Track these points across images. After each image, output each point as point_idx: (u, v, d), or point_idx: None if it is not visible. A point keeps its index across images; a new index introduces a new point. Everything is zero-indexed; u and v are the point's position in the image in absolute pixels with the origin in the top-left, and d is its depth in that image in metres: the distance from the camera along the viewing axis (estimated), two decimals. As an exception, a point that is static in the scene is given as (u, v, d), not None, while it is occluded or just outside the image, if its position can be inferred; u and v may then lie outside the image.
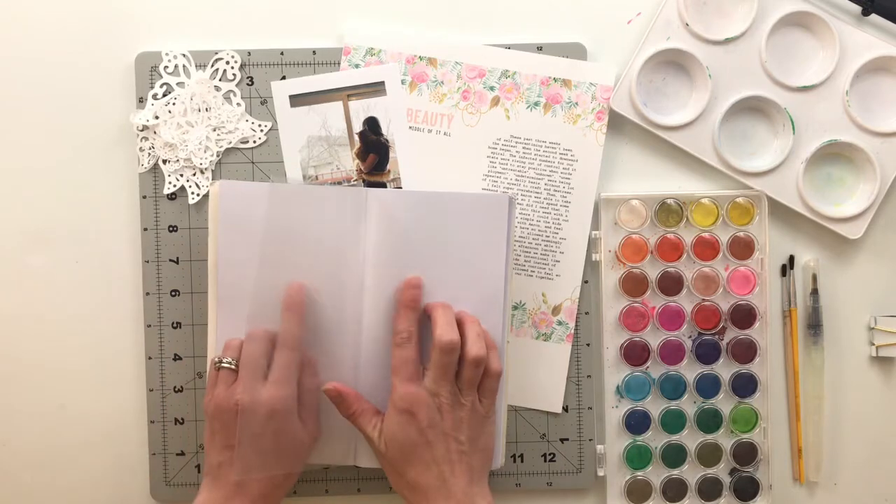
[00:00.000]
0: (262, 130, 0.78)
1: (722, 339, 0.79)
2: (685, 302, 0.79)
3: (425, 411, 0.65)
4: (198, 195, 0.77)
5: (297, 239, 0.70)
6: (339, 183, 0.78)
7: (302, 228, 0.70)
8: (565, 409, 0.79)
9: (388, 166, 0.78)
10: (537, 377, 0.78)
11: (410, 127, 0.78)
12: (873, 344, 0.80)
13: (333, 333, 0.71)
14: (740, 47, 0.77)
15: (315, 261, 0.70)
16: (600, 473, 0.79)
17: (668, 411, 0.79)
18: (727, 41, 0.77)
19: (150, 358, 0.78)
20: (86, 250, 0.78)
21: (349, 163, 0.78)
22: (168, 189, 0.77)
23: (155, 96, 0.77)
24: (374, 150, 0.78)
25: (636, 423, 0.79)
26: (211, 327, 0.71)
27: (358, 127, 0.78)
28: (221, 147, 0.77)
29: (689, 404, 0.79)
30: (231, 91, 0.78)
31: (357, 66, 0.78)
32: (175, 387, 0.78)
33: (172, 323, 0.78)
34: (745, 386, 0.79)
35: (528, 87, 0.78)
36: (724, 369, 0.79)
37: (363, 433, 0.68)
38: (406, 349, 0.67)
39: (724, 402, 0.79)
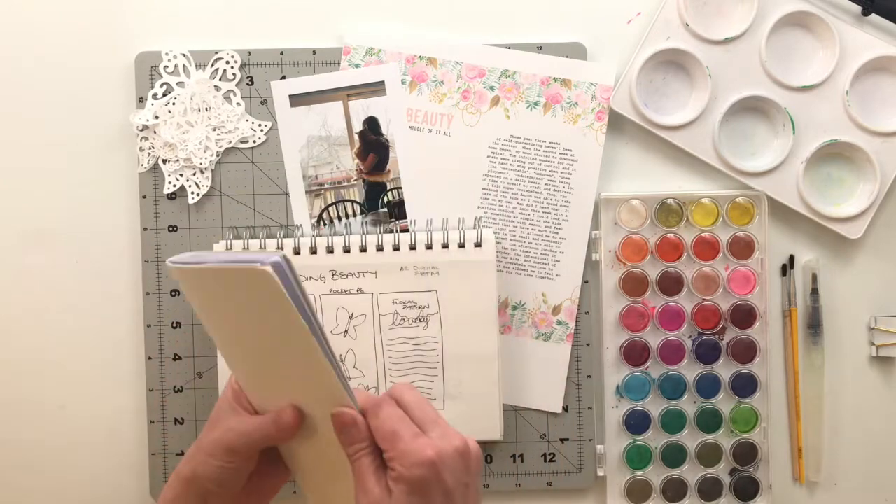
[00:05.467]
0: (262, 130, 0.78)
1: (722, 339, 0.79)
2: (685, 302, 0.79)
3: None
4: (198, 195, 0.77)
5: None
6: (339, 183, 0.78)
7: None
8: (565, 409, 0.79)
9: (388, 166, 0.78)
10: (537, 377, 0.78)
11: (410, 127, 0.78)
12: (873, 344, 0.80)
13: None
14: (740, 47, 0.77)
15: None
16: (600, 473, 0.79)
17: (668, 411, 0.79)
18: (727, 41, 0.77)
19: (150, 358, 0.78)
20: (86, 250, 0.78)
21: (349, 162, 0.78)
22: (168, 189, 0.77)
23: (155, 96, 0.77)
24: (373, 149, 0.78)
25: (636, 423, 0.79)
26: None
27: (358, 127, 0.78)
28: (221, 147, 0.77)
29: (689, 404, 0.79)
30: (231, 91, 0.78)
31: (357, 65, 0.78)
32: (175, 387, 0.78)
33: (172, 323, 0.78)
34: (745, 386, 0.79)
35: (528, 86, 0.78)
36: (724, 369, 0.79)
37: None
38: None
39: (724, 402, 0.79)
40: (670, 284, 0.78)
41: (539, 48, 0.78)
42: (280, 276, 0.46)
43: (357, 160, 0.78)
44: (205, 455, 0.55)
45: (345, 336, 0.76)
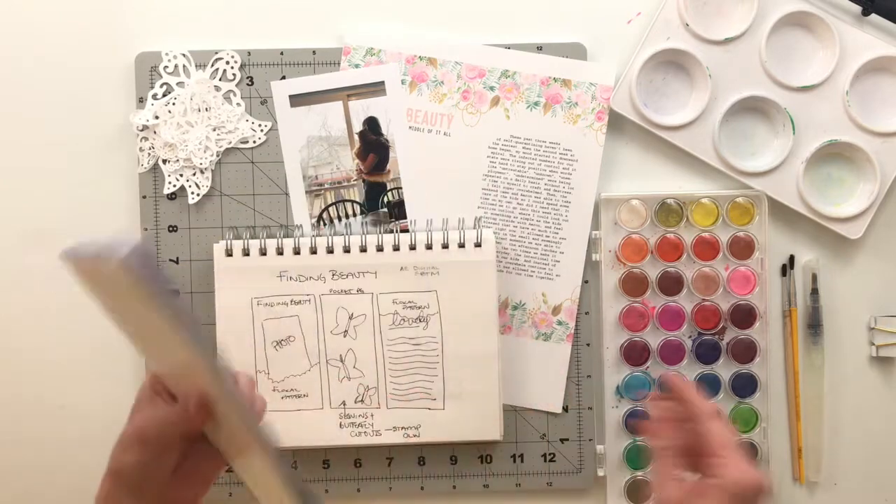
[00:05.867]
0: (262, 130, 0.78)
1: (722, 339, 0.79)
2: (685, 302, 0.78)
3: None
4: (198, 195, 0.77)
5: None
6: (339, 183, 0.78)
7: None
8: (565, 409, 0.79)
9: (388, 166, 0.78)
10: (537, 377, 0.78)
11: (410, 127, 0.78)
12: (873, 344, 0.80)
13: None
14: (740, 47, 0.77)
15: None
16: (600, 473, 0.79)
17: (668, 411, 0.79)
18: (727, 41, 0.77)
19: (149, 358, 0.78)
20: (86, 250, 0.78)
21: (349, 163, 0.78)
22: (168, 189, 0.77)
23: (155, 96, 0.77)
24: (373, 150, 0.78)
25: (636, 423, 0.79)
26: None
27: (358, 127, 0.78)
28: (221, 147, 0.77)
29: (689, 404, 0.79)
30: (231, 91, 0.78)
31: (357, 66, 0.78)
32: (175, 387, 0.78)
33: (172, 323, 0.77)
34: (745, 386, 0.79)
35: (527, 87, 0.78)
36: (724, 369, 0.79)
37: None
38: None
39: (724, 403, 0.79)
40: (670, 284, 0.78)
41: (539, 48, 0.78)
42: (136, 268, 0.43)
43: (357, 160, 0.78)
44: (121, 449, 0.53)
45: (345, 336, 0.76)
